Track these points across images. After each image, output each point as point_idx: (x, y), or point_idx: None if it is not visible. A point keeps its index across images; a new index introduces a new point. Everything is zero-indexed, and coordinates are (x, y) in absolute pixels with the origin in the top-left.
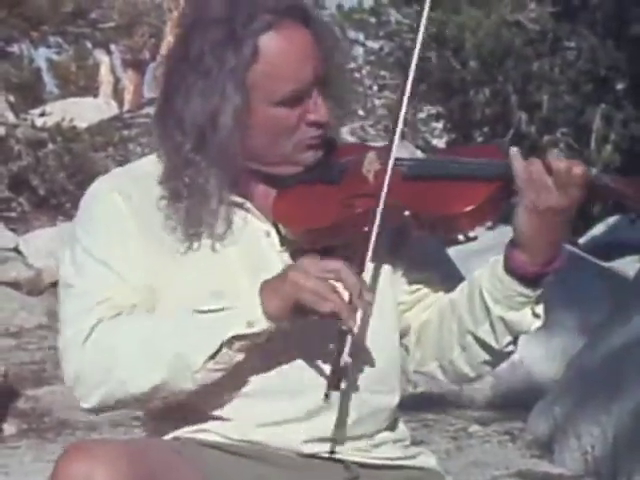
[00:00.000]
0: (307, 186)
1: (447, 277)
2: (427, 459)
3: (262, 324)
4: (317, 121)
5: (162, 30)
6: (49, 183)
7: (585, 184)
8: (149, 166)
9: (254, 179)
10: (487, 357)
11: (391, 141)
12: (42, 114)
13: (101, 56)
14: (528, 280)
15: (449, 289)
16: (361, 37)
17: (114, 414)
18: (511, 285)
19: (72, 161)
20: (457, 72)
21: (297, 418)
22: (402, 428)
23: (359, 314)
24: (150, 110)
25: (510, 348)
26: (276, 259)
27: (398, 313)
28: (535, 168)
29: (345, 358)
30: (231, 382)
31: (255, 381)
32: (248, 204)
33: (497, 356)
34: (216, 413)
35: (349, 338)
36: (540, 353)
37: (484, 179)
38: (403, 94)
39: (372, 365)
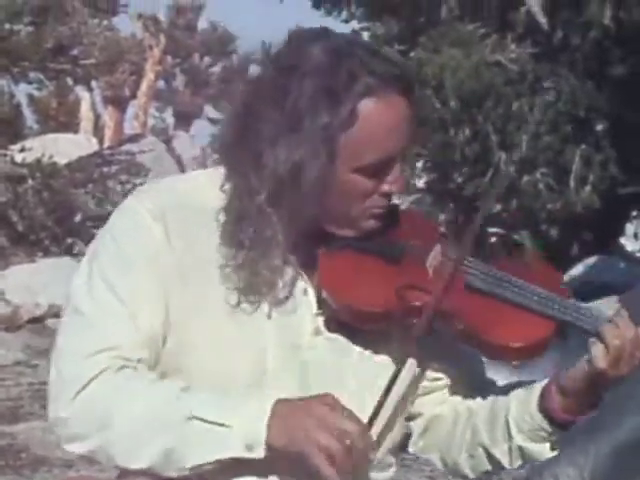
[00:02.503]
0: (360, 256)
1: (472, 377)
2: None
3: (260, 452)
4: (392, 193)
5: (143, 67)
6: (28, 219)
7: None
8: (206, 195)
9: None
10: (492, 469)
11: (465, 246)
12: (22, 150)
13: (82, 92)
14: (559, 422)
15: (471, 390)
16: None
17: None
18: (541, 423)
19: (51, 197)
20: (437, 111)
21: None
22: None
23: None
24: (131, 147)
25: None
26: (309, 321)
27: (414, 397)
28: (629, 338)
29: None
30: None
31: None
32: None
33: (504, 469)
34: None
35: None
36: None
37: (545, 317)
38: (482, 213)
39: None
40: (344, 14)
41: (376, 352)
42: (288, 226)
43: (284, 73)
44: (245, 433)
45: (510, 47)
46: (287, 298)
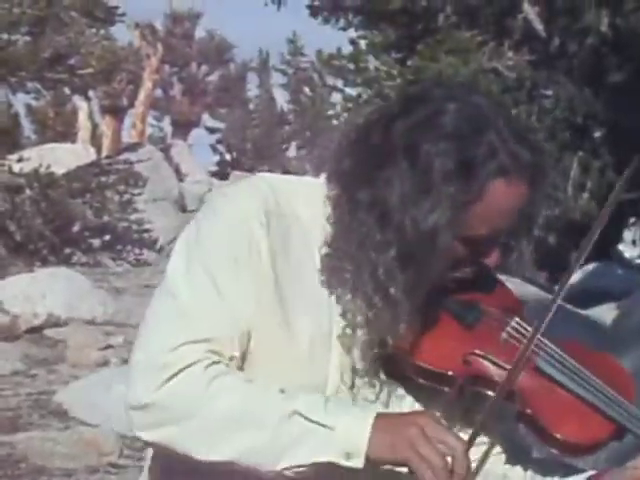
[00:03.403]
0: (436, 311)
1: (511, 443)
2: None
3: (359, 462)
4: (486, 266)
5: (140, 76)
6: (26, 229)
7: None
8: (313, 215)
9: None
10: None
11: (537, 326)
12: (19, 160)
13: (79, 102)
14: None
15: (507, 454)
16: (340, 84)
17: (90, 461)
18: None
19: (49, 207)
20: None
21: None
22: None
23: None
24: (129, 156)
25: None
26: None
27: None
28: None
29: None
30: None
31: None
32: None
33: None
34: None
35: None
36: None
37: (608, 419)
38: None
39: None
40: (342, 22)
41: (426, 407)
42: (412, 290)
43: (419, 126)
44: (347, 438)
45: (507, 54)
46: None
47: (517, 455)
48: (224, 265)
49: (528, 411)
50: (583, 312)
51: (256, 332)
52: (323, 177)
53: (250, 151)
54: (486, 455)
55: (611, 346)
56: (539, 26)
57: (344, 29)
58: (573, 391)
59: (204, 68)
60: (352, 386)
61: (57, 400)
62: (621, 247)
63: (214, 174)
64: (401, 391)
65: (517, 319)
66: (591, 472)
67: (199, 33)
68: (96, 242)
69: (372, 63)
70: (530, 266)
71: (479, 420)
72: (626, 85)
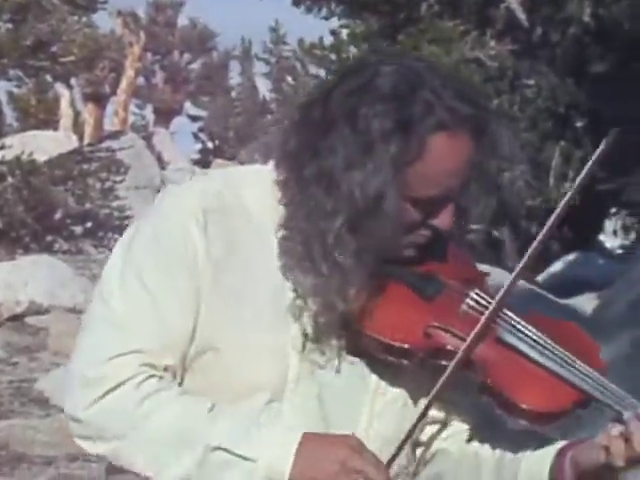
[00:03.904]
0: (394, 285)
1: (482, 417)
2: None
3: None
4: (441, 228)
5: (122, 64)
6: (8, 216)
7: None
8: (262, 204)
9: None
10: None
11: (497, 295)
12: (1, 147)
13: (61, 89)
14: None
15: (480, 430)
16: (322, 73)
17: (71, 449)
18: None
19: (31, 195)
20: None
21: None
22: None
23: None
24: (111, 144)
25: None
26: (333, 341)
27: (422, 427)
28: (637, 438)
29: None
30: None
31: None
32: None
33: None
34: None
35: None
36: None
37: (572, 387)
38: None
39: None
40: (324, 11)
41: (392, 383)
42: (362, 255)
43: (357, 91)
44: (269, 470)
45: (490, 44)
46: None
47: (487, 431)
48: (157, 270)
49: (489, 381)
50: (563, 301)
51: (206, 328)
52: (272, 164)
53: (232, 139)
54: (432, 438)
55: (591, 335)
56: (521, 16)
57: (326, 18)
58: (536, 360)
59: (186, 56)
60: (303, 349)
61: (38, 388)
62: (602, 237)
63: (196, 162)
64: (353, 359)
65: (477, 290)
66: (562, 443)
67: (182, 21)
68: (78, 229)
69: (353, 53)
70: (512, 255)
71: (434, 391)
72: (608, 75)
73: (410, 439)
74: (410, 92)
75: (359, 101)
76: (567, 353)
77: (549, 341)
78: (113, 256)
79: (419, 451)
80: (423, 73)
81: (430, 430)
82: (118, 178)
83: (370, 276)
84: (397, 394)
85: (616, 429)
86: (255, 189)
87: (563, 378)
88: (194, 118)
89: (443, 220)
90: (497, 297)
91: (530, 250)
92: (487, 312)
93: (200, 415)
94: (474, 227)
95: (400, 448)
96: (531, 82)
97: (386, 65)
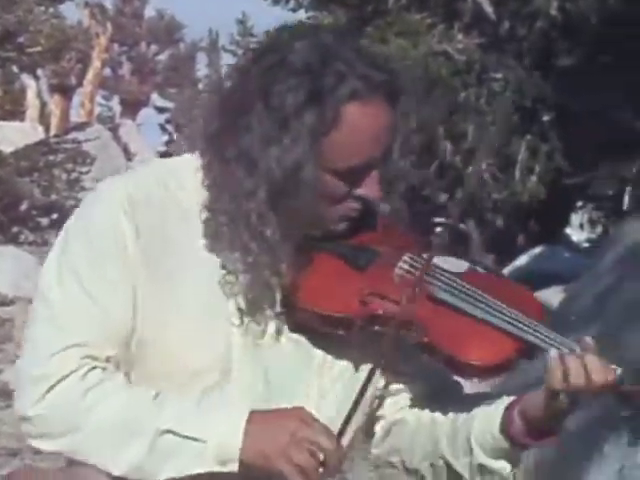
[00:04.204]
0: (329, 258)
1: (438, 385)
2: None
3: (234, 468)
4: (367, 198)
5: (89, 55)
6: None
7: (609, 388)
8: (184, 189)
9: None
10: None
11: (428, 256)
12: None
13: (28, 80)
14: (520, 444)
15: (433, 394)
16: None
17: None
18: (502, 444)
19: None
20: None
21: None
22: None
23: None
24: (77, 135)
25: None
26: (272, 321)
27: (376, 401)
28: (573, 367)
29: None
30: None
31: None
32: None
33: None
34: None
35: None
36: None
37: (511, 337)
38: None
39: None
40: (291, 3)
41: (337, 356)
42: (287, 230)
43: (271, 68)
44: (219, 448)
45: (457, 37)
46: (271, 301)
47: (443, 399)
48: (91, 263)
49: (428, 340)
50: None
51: (145, 316)
52: (197, 152)
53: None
54: (356, 404)
55: (557, 328)
56: (489, 9)
57: (294, 10)
58: (473, 315)
59: (153, 47)
60: (241, 323)
61: (3, 379)
62: (568, 231)
63: (163, 154)
64: (296, 337)
65: (408, 254)
66: (511, 398)
67: (149, 12)
68: (44, 221)
69: None
70: (479, 248)
71: (379, 358)
72: (575, 69)
73: (358, 407)
74: (322, 64)
75: (273, 78)
76: (503, 305)
77: (484, 294)
78: (51, 253)
79: (378, 426)
80: (334, 46)
81: (385, 403)
82: (84, 169)
83: (300, 250)
84: (344, 367)
85: (552, 363)
86: (181, 176)
87: (502, 329)
88: (161, 110)
89: (369, 189)
90: (428, 257)
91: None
92: (419, 272)
93: (146, 402)
94: (439, 220)
95: (349, 417)
96: (498, 76)
97: (298, 41)
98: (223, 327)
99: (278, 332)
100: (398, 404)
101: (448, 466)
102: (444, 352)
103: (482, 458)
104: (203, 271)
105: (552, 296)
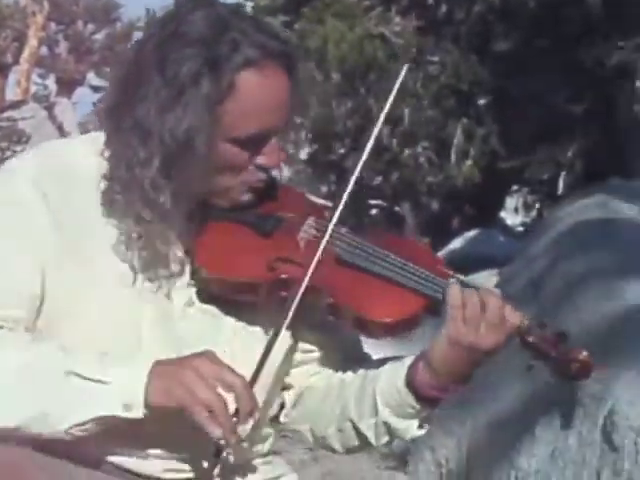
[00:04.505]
0: (234, 227)
1: (344, 349)
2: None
3: (139, 412)
4: (267, 166)
5: (25, 34)
6: None
7: (513, 333)
8: (87, 161)
9: None
10: (360, 445)
11: (330, 218)
12: None
13: None
14: (425, 399)
15: (343, 361)
16: None
17: None
18: (407, 398)
19: None
20: (319, 84)
21: (161, 457)
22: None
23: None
24: (12, 113)
25: (413, 434)
26: (182, 292)
27: (287, 368)
28: (471, 302)
29: (215, 473)
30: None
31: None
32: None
33: (372, 446)
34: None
35: (223, 456)
36: None
37: (416, 293)
38: (354, 167)
39: (255, 420)
40: None
41: (249, 323)
42: (180, 198)
43: (167, 39)
44: (123, 391)
45: (394, 20)
46: (165, 269)
47: (352, 365)
48: (1, 235)
49: (332, 301)
50: (464, 278)
51: (55, 288)
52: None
53: None
54: (261, 364)
55: None
56: None
57: None
58: (377, 273)
59: (90, 26)
60: (134, 283)
61: None
62: (503, 214)
63: None
64: (206, 307)
65: (312, 218)
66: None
67: None
68: None
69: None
70: (414, 230)
71: (283, 319)
72: (511, 53)
73: (266, 361)
74: (217, 34)
75: (169, 48)
76: (405, 261)
77: (390, 254)
78: None
79: (287, 394)
80: (230, 16)
81: (295, 372)
82: (19, 148)
83: (207, 220)
84: (255, 333)
85: (454, 294)
86: (85, 151)
87: (406, 286)
88: (96, 89)
89: (268, 158)
90: (331, 219)
91: (358, 166)
92: (322, 235)
93: (50, 347)
94: (375, 203)
95: (258, 371)
96: (435, 59)
97: (194, 12)
98: (132, 298)
99: (188, 303)
100: (308, 372)
101: (355, 429)
102: (349, 312)
103: (387, 416)
104: (108, 242)
105: (486, 279)
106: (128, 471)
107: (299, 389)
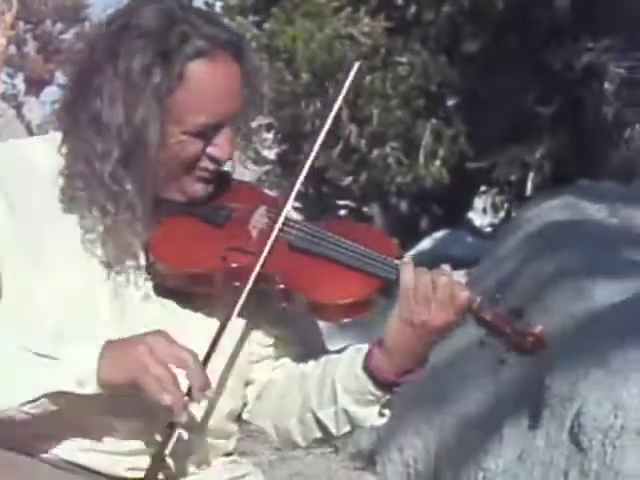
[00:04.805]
0: (188, 221)
1: (306, 343)
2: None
3: (92, 388)
4: (218, 157)
5: None
6: None
7: (466, 311)
8: (46, 158)
9: None
10: (322, 436)
11: (282, 206)
12: None
13: None
14: (383, 384)
15: (305, 356)
16: None
17: None
18: (365, 384)
19: None
20: (288, 84)
21: (120, 453)
22: (233, 448)
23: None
24: None
25: (377, 421)
26: (138, 286)
27: (248, 363)
28: (422, 281)
29: (168, 451)
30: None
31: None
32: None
33: (333, 438)
34: (41, 432)
35: (176, 432)
36: None
37: (369, 275)
38: (306, 159)
39: (217, 413)
40: None
41: (207, 315)
42: (142, 188)
43: (118, 33)
44: (76, 367)
45: (363, 21)
46: (134, 260)
47: (318, 351)
48: None
49: (284, 287)
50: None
51: (10, 277)
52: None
53: None
54: (212, 347)
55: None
56: None
57: None
58: (329, 257)
59: (59, 26)
60: (107, 278)
61: None
62: (471, 215)
63: None
64: (163, 300)
65: (264, 207)
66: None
67: None
68: None
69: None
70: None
71: (233, 307)
72: (480, 54)
73: (217, 344)
74: (167, 27)
75: (121, 41)
76: (357, 245)
77: (342, 239)
78: None
79: (249, 390)
80: (179, 10)
81: (256, 367)
82: None
83: (161, 215)
84: (213, 325)
85: (406, 271)
86: (45, 150)
87: (358, 268)
88: (65, 87)
89: (219, 149)
90: (282, 207)
91: (312, 154)
92: (272, 222)
93: (4, 328)
94: (344, 203)
95: (209, 355)
96: (404, 60)
97: (145, 6)
98: (90, 292)
99: (145, 297)
100: (269, 366)
101: (316, 419)
102: (302, 297)
103: (346, 403)
104: (66, 237)
105: None
106: (88, 469)
107: (260, 384)
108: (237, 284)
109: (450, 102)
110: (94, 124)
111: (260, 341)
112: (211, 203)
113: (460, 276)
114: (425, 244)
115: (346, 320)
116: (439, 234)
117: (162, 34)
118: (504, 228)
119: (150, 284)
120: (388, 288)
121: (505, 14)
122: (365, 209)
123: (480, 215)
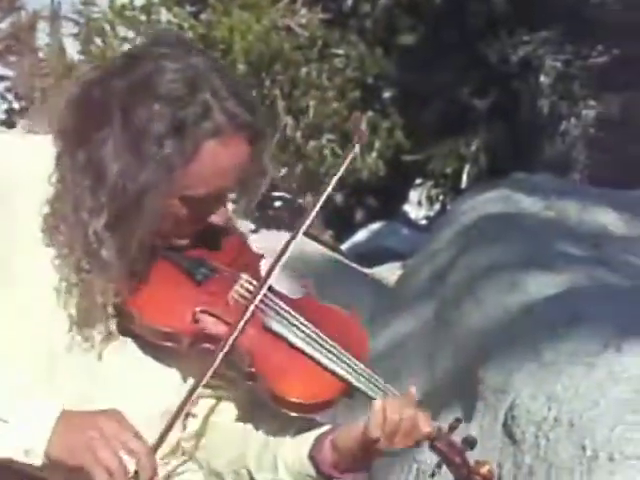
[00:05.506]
0: (169, 270)
1: (255, 393)
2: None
3: (38, 460)
4: (217, 223)
5: None
6: None
7: (423, 439)
8: (34, 175)
9: None
10: None
11: (262, 282)
12: None
13: None
14: (324, 475)
15: (252, 405)
16: (131, 34)
17: None
18: (308, 469)
19: None
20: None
21: None
22: None
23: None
24: None
25: None
26: (102, 324)
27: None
28: (391, 418)
29: None
30: None
31: None
32: None
33: None
34: None
35: None
36: None
37: (339, 379)
38: (291, 240)
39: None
40: None
41: (167, 364)
42: (122, 252)
43: (135, 88)
44: (25, 435)
45: (300, 12)
46: (102, 323)
47: (261, 409)
48: None
49: (253, 370)
50: (368, 270)
51: None
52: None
53: (38, 100)
54: (168, 427)
55: (394, 305)
56: None
57: None
58: (302, 350)
59: None
60: (69, 330)
61: None
62: (406, 207)
63: (2, 122)
64: (125, 339)
65: (245, 276)
66: (327, 427)
67: None
68: None
69: (165, 15)
70: (317, 224)
71: (196, 381)
72: (417, 47)
73: (177, 420)
74: (189, 93)
75: (137, 99)
76: (333, 343)
77: (316, 330)
78: None
79: (190, 423)
80: (204, 73)
81: (204, 404)
82: None
83: (140, 257)
84: (172, 373)
85: (375, 407)
86: (24, 153)
87: (328, 369)
88: (1, 78)
89: (217, 216)
90: (261, 285)
91: (296, 232)
92: (251, 299)
93: None
94: (279, 195)
95: (168, 429)
96: (340, 52)
97: (169, 61)
98: (50, 336)
99: (109, 336)
100: (213, 407)
101: (250, 478)
102: (266, 385)
103: (285, 476)
104: (39, 271)
105: (389, 272)
106: None
107: (203, 421)
108: (204, 347)
109: (386, 94)
110: (91, 170)
111: (210, 382)
112: (196, 253)
113: (395, 268)
114: (360, 236)
115: (302, 415)
116: (375, 226)
117: (183, 102)
118: (439, 220)
119: (115, 322)
120: (351, 391)
121: (442, 7)
122: (300, 201)
123: (415, 207)
